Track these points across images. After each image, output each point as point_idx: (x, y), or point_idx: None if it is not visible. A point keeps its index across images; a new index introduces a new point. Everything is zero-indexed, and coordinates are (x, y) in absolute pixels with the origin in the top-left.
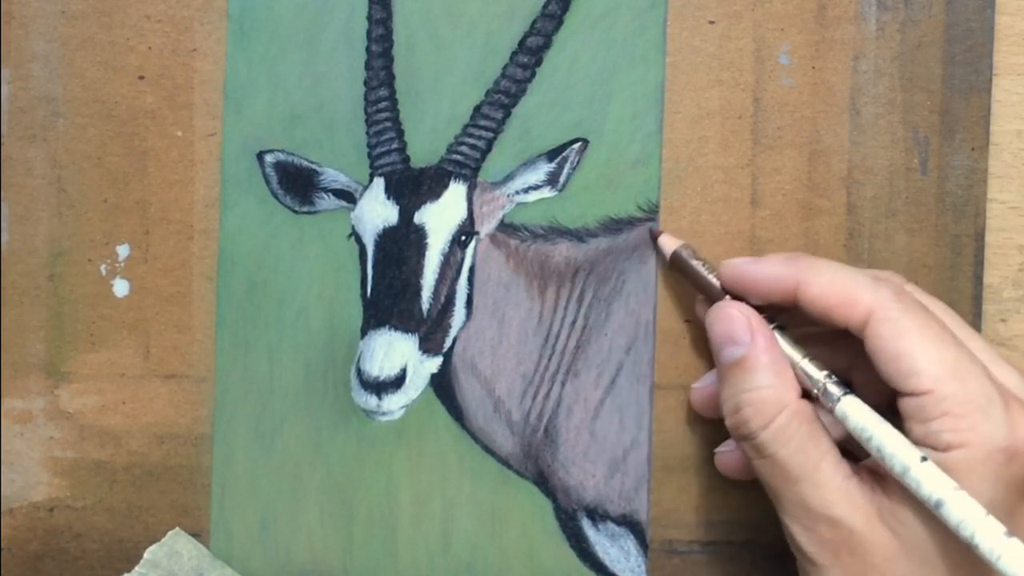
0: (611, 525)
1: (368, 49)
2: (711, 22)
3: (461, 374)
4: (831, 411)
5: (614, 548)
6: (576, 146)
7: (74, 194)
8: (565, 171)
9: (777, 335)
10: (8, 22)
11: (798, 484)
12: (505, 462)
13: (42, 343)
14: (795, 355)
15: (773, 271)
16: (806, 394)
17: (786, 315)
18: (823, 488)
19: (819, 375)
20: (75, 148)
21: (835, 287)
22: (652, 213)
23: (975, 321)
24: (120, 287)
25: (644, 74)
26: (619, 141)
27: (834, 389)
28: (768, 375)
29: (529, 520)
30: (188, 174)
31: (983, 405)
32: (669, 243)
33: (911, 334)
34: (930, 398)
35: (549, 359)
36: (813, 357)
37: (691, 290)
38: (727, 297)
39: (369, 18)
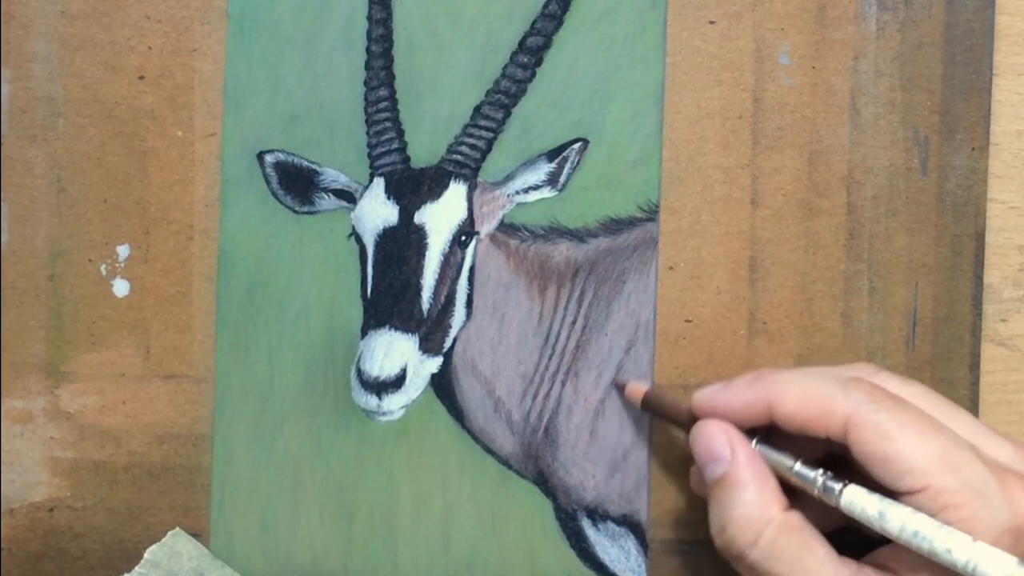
0: (611, 525)
1: (368, 49)
2: (711, 22)
3: (461, 374)
4: (836, 506)
5: (614, 548)
6: (576, 146)
7: (74, 194)
8: (565, 171)
9: (760, 449)
10: (8, 22)
11: None
12: (505, 462)
13: (42, 343)
14: (785, 461)
15: (743, 396)
16: (798, 494)
17: None
18: None
19: (814, 474)
20: (75, 148)
21: (807, 401)
22: (652, 213)
23: (975, 321)
24: (120, 287)
25: (644, 74)
26: (619, 141)
27: (833, 484)
28: (750, 491)
29: (529, 520)
30: (188, 174)
31: (980, 490)
32: (637, 390)
33: (893, 434)
34: (926, 494)
35: (549, 359)
36: (804, 460)
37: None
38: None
39: (369, 18)
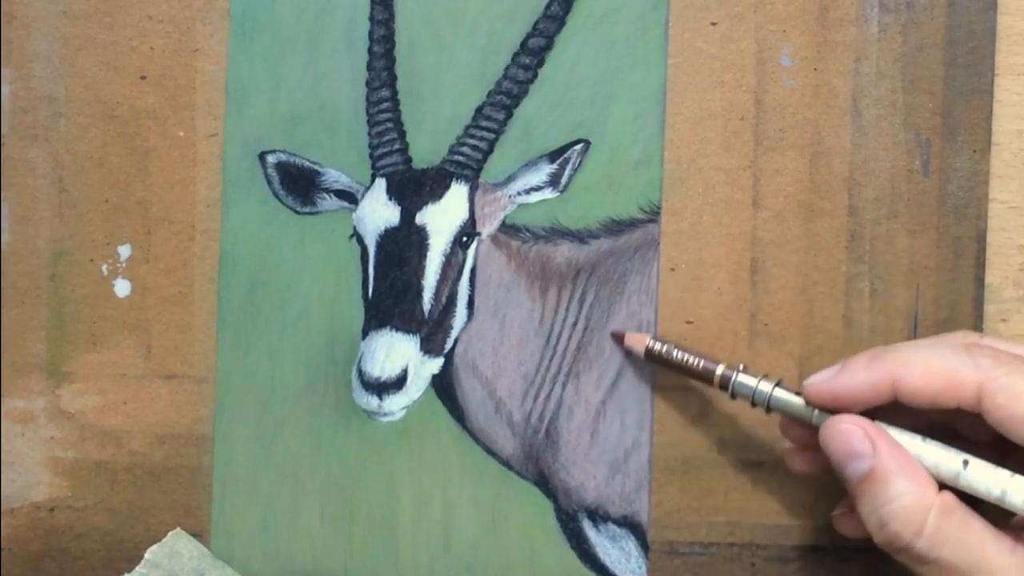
0: (612, 526)
1: (370, 50)
2: (713, 23)
3: (462, 375)
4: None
5: (615, 549)
6: (578, 147)
7: (75, 194)
8: (567, 172)
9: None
10: (10, 22)
11: None
12: (506, 463)
13: (43, 343)
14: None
15: (865, 378)
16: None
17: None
18: (997, 572)
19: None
20: (77, 148)
21: (934, 374)
22: (654, 214)
23: (976, 323)
24: (121, 287)
25: (646, 75)
26: (621, 142)
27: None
28: (903, 481)
29: (530, 521)
30: (190, 174)
31: None
32: (637, 341)
33: None
34: None
35: (550, 360)
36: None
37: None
38: (843, 417)
39: (371, 18)
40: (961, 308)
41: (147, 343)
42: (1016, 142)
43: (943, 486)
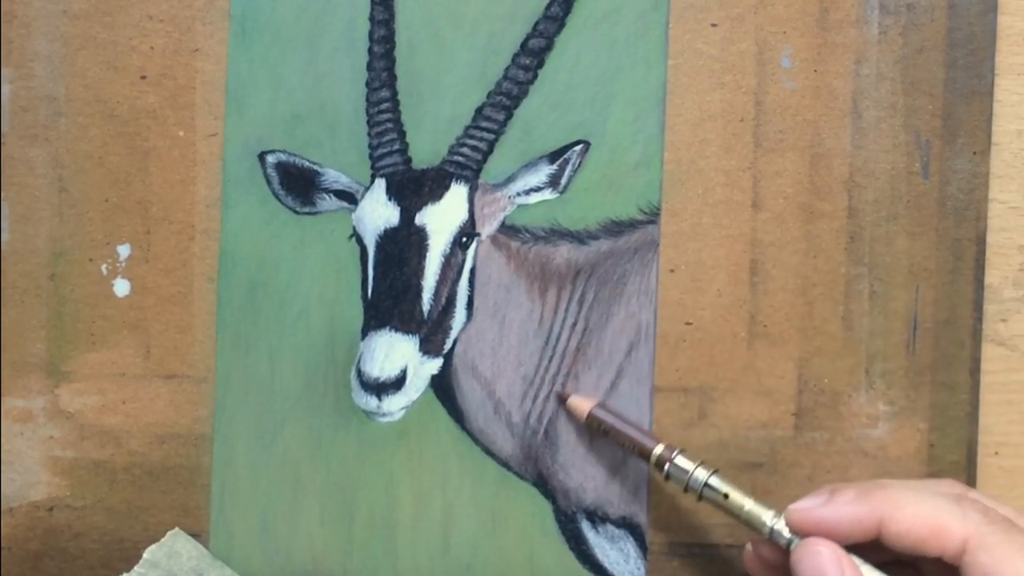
0: (611, 527)
1: (370, 50)
2: (713, 25)
3: (461, 376)
4: None
5: (614, 550)
6: (578, 148)
7: (75, 194)
8: (566, 173)
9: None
10: (10, 21)
11: None
12: (505, 464)
13: (43, 342)
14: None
15: (851, 513)
16: None
17: None
18: None
19: None
20: (77, 148)
21: (921, 520)
22: (653, 215)
23: (976, 325)
24: (121, 287)
25: (646, 76)
26: (621, 143)
27: None
28: None
29: (529, 522)
30: (189, 174)
31: None
32: (580, 405)
33: (1014, 557)
34: None
35: (550, 361)
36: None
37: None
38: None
39: (371, 19)
40: (960, 310)
41: (146, 343)
42: (1016, 142)
43: None
